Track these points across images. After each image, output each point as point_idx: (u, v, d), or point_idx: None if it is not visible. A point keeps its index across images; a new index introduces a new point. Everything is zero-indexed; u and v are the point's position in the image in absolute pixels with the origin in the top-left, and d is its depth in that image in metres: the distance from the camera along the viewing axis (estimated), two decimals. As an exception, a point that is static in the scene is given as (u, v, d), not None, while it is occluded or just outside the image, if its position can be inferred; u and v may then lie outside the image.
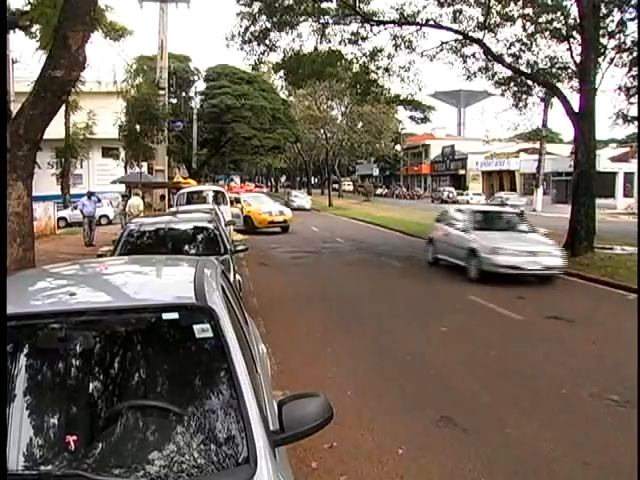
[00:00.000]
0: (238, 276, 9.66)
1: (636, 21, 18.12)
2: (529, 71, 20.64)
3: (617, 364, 7.58)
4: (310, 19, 20.83)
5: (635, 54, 17.99)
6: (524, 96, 22.26)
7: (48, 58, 8.74)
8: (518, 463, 4.98)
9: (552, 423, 5.77)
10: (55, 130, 18.50)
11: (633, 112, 19.37)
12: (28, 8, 15.64)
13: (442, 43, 21.44)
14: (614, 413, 6.00)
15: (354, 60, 22.65)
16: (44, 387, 2.43)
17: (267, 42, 21.42)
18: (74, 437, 2.22)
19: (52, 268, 4.04)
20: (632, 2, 17.73)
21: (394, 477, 4.76)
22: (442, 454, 5.13)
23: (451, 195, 60.29)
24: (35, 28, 17.30)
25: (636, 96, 18.58)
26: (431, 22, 20.64)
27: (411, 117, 61.53)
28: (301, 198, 49.20)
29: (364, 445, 5.29)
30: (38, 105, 8.49)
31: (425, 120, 63.00)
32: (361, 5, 20.56)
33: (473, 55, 21.26)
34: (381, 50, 21.72)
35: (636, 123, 20.65)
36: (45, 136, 8.92)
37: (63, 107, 21.13)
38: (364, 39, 21.53)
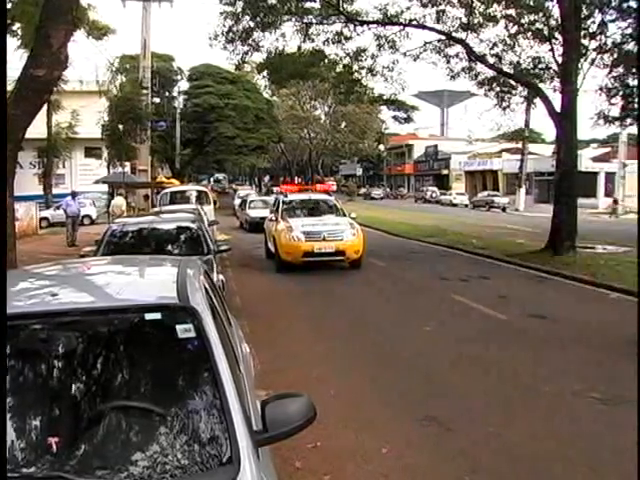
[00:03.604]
0: (221, 276, 9.63)
1: (616, 22, 18.35)
2: (512, 71, 20.78)
3: (599, 362, 7.64)
4: (293, 19, 20.82)
5: (616, 55, 18.19)
6: (507, 96, 22.38)
7: (29, 57, 8.70)
8: (501, 461, 4.99)
9: (536, 421, 5.80)
10: (37, 129, 18.39)
11: (614, 112, 19.58)
12: (10, 6, 15.53)
13: (425, 43, 21.54)
14: (597, 411, 6.03)
15: (337, 60, 22.66)
16: (25, 388, 2.41)
17: (250, 42, 21.34)
18: (56, 439, 2.20)
19: (34, 268, 4.01)
20: (612, 4, 17.92)
21: (378, 476, 4.77)
22: (426, 453, 5.14)
23: (434, 195, 60.63)
24: (16, 26, 17.18)
25: (616, 97, 18.80)
26: (414, 22, 20.73)
27: (394, 117, 62.17)
28: None
29: (348, 444, 5.29)
30: (20, 104, 8.43)
31: (408, 120, 63.67)
32: (344, 5, 20.57)
33: (456, 55, 21.37)
34: (365, 50, 21.75)
35: (617, 123, 20.86)
36: (27, 135, 8.86)
37: (45, 106, 20.97)
38: (348, 39, 21.54)
